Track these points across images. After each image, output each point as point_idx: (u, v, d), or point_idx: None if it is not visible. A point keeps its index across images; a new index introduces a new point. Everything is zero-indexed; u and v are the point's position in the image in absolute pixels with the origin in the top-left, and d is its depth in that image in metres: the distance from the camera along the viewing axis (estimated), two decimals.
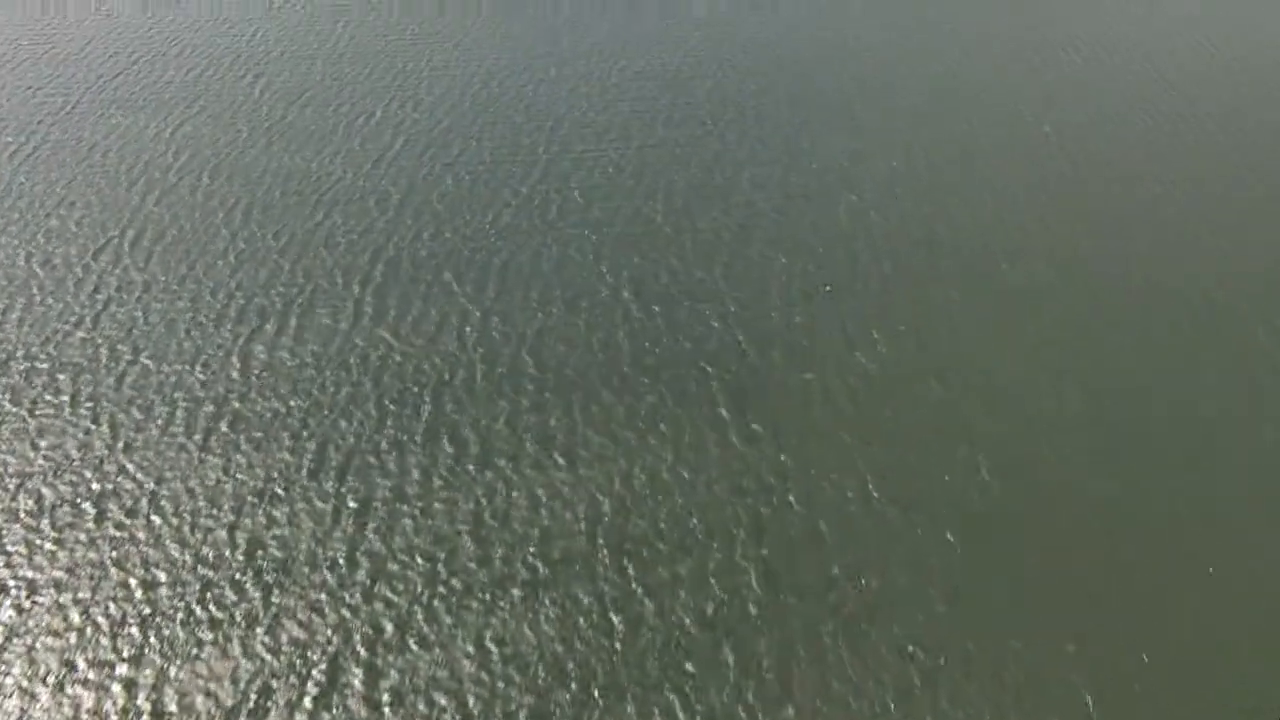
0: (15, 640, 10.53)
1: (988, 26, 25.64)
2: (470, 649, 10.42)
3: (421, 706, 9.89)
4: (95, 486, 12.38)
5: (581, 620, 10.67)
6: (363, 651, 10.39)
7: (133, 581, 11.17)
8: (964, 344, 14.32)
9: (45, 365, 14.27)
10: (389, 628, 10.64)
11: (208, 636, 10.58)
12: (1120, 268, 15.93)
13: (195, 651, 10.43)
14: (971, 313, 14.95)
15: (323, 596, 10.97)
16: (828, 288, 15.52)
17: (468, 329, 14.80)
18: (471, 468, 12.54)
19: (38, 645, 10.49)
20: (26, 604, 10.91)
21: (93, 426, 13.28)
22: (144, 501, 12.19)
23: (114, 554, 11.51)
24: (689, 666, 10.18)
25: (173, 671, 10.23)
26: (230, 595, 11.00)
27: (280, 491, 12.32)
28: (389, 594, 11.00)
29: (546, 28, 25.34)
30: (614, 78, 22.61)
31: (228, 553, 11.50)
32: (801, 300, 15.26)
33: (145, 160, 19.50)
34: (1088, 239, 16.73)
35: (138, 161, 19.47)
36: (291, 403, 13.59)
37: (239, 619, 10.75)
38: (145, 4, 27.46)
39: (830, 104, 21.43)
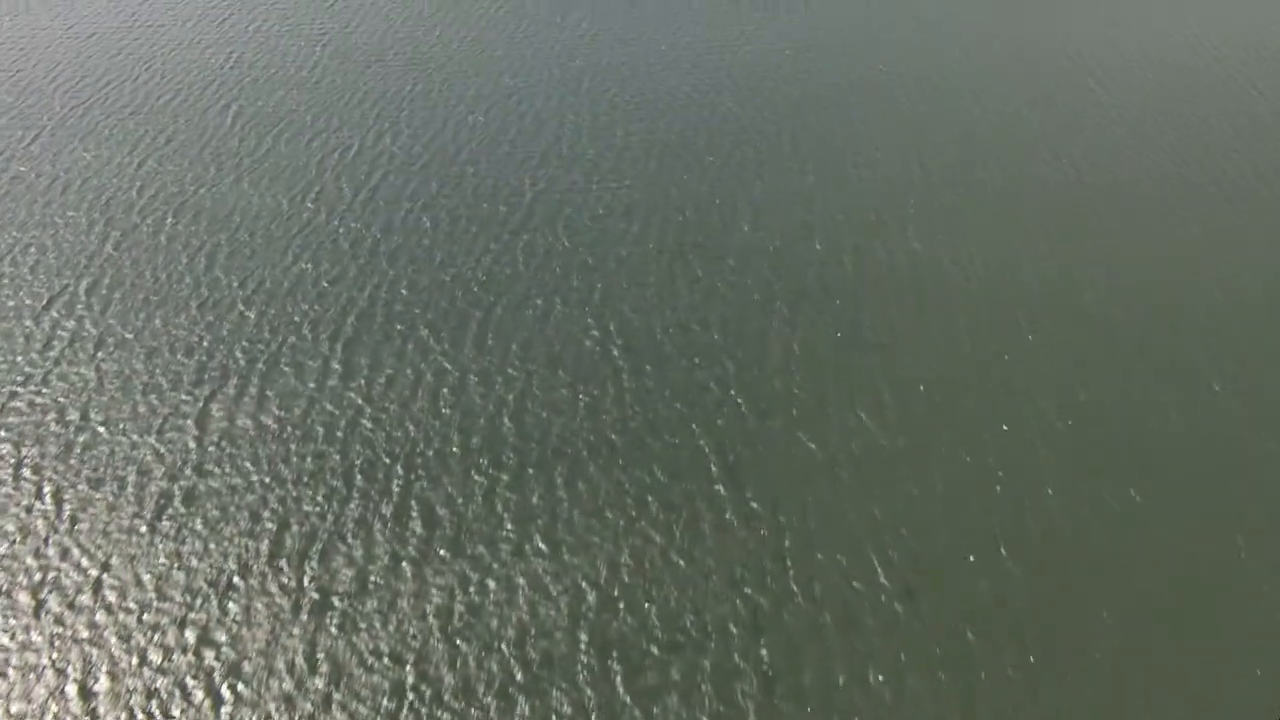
0: None
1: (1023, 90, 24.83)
2: None
3: None
4: (36, 576, 11.54)
5: None
6: None
7: (70, 689, 10.31)
8: (983, 407, 13.49)
9: None
10: None
11: None
12: (1163, 335, 15.09)
13: None
14: (992, 371, 14.12)
15: (278, 706, 10.12)
16: (839, 334, 14.71)
17: (444, 390, 13.96)
18: (444, 552, 11.70)
19: None
20: None
21: (35, 503, 12.44)
22: (87, 592, 11.35)
23: (52, 655, 10.66)
24: None
25: None
26: (177, 704, 10.14)
27: (236, 581, 11.48)
28: (349, 702, 10.15)
29: (537, 53, 24.54)
30: (604, 105, 21.80)
31: (176, 655, 10.65)
32: (805, 358, 14.42)
33: (108, 198, 18.70)
34: (1120, 307, 15.91)
35: (100, 199, 18.66)
36: (251, 476, 12.75)
37: None
38: (121, 27, 26.67)
39: (839, 141, 20.62)
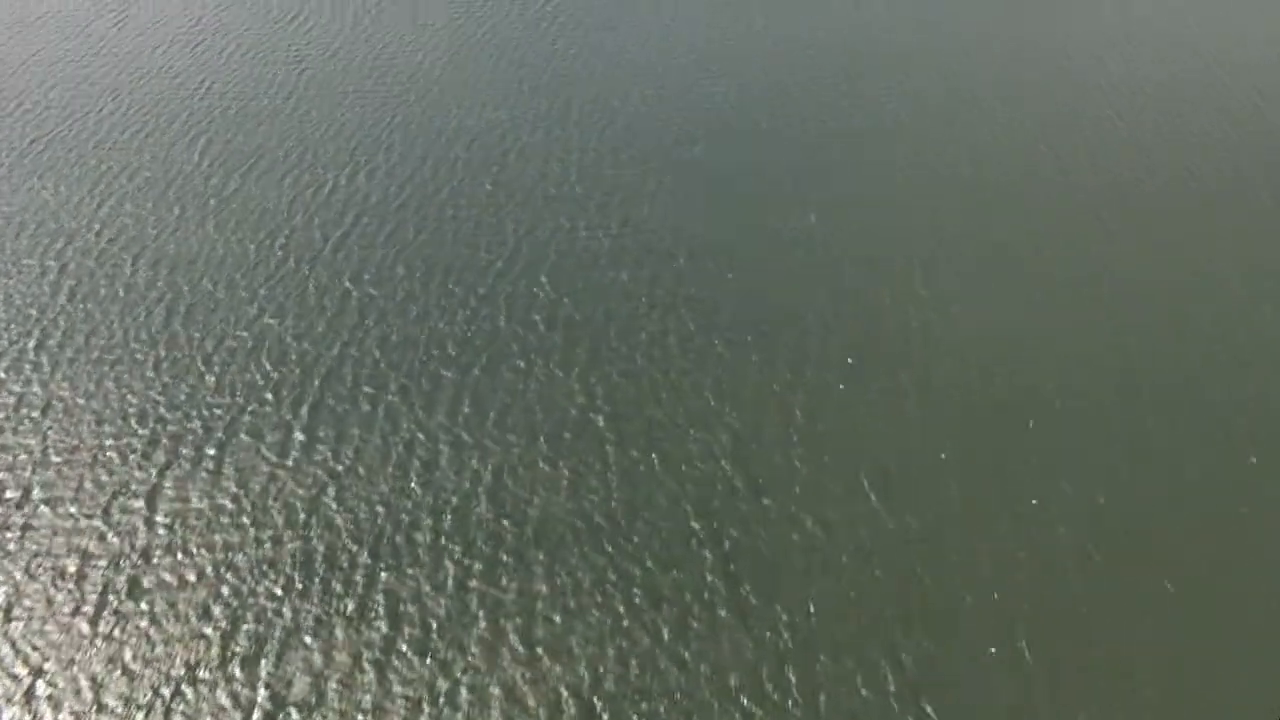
0: None
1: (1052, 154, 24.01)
2: None
3: None
4: None
5: None
6: None
7: None
8: (1002, 484, 12.63)
9: None
10: None
11: None
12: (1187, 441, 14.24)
13: None
14: (1012, 447, 13.27)
15: None
16: (843, 395, 13.89)
17: (415, 464, 13.10)
18: (410, 653, 10.83)
19: None
20: None
21: None
22: (18, 701, 10.46)
23: None
24: None
25: None
26: None
27: (184, 688, 10.59)
28: None
29: (524, 82, 23.73)
30: (593, 139, 20.97)
31: None
32: (807, 426, 13.57)
33: (66, 242, 17.86)
34: (1153, 417, 15.06)
35: (57, 243, 17.83)
36: (204, 565, 11.88)
37: None
38: (89, 53, 25.85)
39: (838, 188, 19.78)
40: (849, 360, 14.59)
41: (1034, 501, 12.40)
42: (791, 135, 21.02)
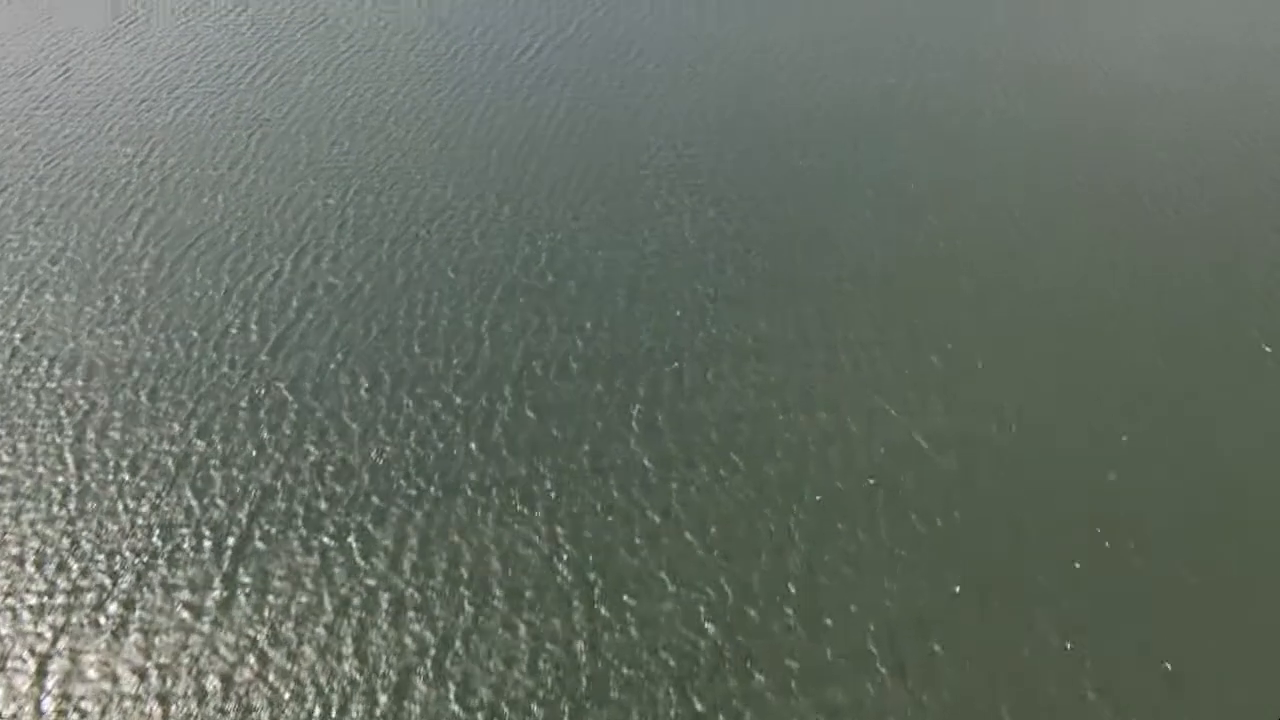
0: None
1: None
2: None
3: None
4: None
5: None
6: None
7: None
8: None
9: None
10: None
11: None
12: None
13: None
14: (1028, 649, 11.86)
15: None
16: (871, 480, 12.51)
17: (368, 632, 11.62)
18: None
19: None
20: None
21: None
22: None
23: None
24: None
25: None
26: None
27: None
28: None
29: (501, 152, 22.42)
30: (568, 220, 19.63)
31: None
32: (805, 580, 12.13)
33: None
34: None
35: None
36: None
37: None
38: (27, 108, 24.47)
39: (822, 276, 18.48)
40: (870, 480, 13.24)
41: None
42: (780, 233, 19.75)
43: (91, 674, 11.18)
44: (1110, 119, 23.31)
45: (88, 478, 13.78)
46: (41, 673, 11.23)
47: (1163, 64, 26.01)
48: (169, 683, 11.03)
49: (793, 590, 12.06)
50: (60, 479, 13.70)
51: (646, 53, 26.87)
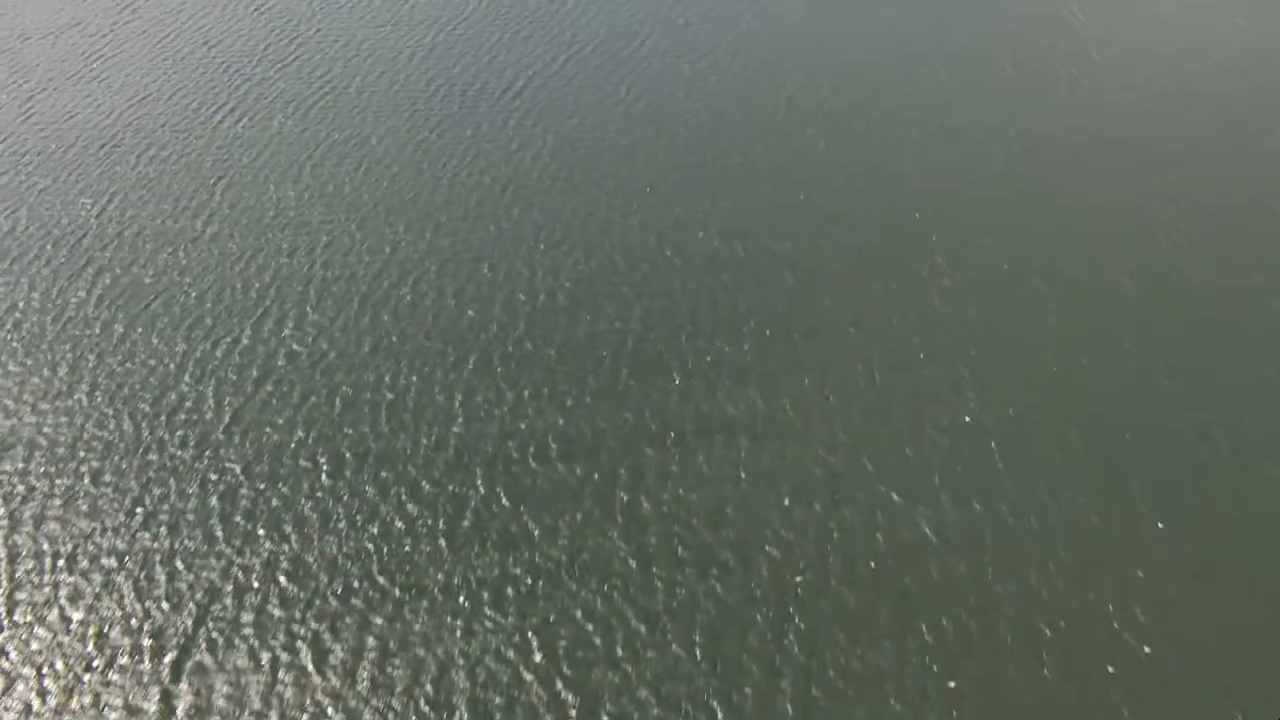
0: None
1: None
2: None
3: None
4: None
5: None
6: None
7: None
8: None
9: None
10: None
11: None
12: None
13: None
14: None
15: None
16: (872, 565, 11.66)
17: None
18: None
19: None
20: None
21: None
22: None
23: None
24: None
25: None
26: None
27: None
28: None
29: (481, 203, 21.58)
30: (558, 276, 18.76)
31: None
32: (800, 695, 11.23)
33: None
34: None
35: None
36: None
37: None
38: None
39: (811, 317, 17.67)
40: (872, 564, 12.36)
41: None
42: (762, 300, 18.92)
43: None
44: (1121, 131, 22.61)
45: (20, 575, 12.83)
46: None
47: (1163, 64, 25.36)
48: None
49: (790, 711, 11.15)
50: None
51: (635, 89, 26.12)
